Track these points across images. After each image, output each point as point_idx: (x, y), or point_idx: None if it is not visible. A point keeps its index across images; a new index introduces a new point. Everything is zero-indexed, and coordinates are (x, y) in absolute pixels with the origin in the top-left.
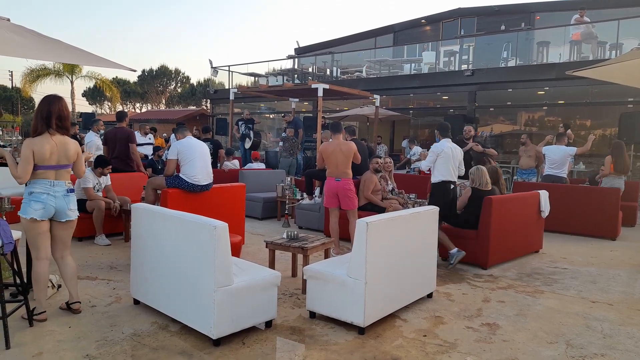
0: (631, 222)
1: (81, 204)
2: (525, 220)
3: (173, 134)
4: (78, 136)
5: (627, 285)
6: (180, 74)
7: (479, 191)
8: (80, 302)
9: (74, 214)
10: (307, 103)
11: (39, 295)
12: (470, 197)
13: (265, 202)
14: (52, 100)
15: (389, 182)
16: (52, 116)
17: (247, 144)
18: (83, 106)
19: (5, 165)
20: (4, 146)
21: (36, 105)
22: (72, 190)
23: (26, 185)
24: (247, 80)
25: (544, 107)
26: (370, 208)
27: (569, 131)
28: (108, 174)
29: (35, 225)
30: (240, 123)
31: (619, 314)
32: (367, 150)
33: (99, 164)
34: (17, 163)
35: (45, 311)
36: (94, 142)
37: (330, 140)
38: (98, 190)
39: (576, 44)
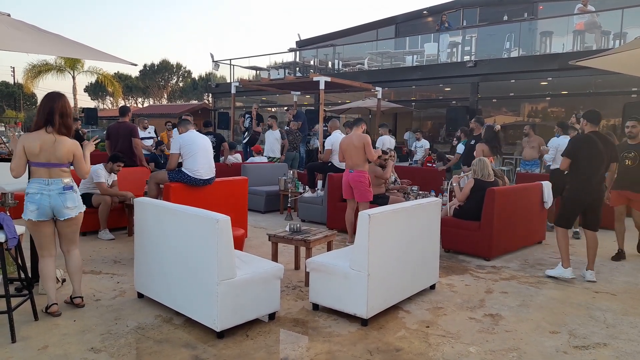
0: None
1: (87, 198)
2: (528, 211)
3: (175, 128)
4: (80, 131)
5: (630, 276)
6: (182, 68)
7: (481, 182)
8: (82, 297)
9: (73, 212)
10: (309, 96)
11: (48, 290)
12: (473, 189)
13: (268, 196)
14: (55, 97)
15: (392, 174)
16: (55, 113)
17: (246, 139)
18: (85, 101)
19: (8, 160)
20: (2, 143)
21: (38, 102)
22: (69, 188)
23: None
24: (248, 74)
25: (547, 98)
26: (374, 200)
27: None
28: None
29: (34, 226)
30: (246, 116)
31: (622, 304)
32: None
33: (111, 160)
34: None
35: (56, 303)
36: None
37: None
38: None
39: (579, 33)
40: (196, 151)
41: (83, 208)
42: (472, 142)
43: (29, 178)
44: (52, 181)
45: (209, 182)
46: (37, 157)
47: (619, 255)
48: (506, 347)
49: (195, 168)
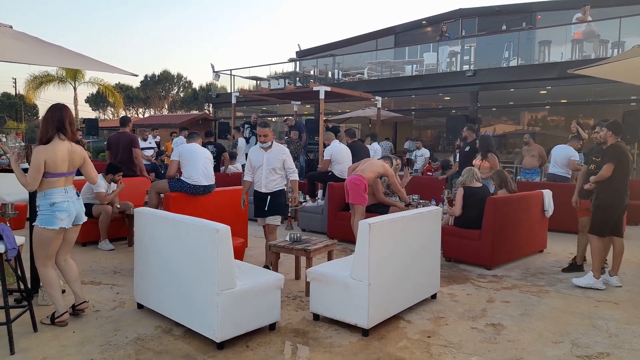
0: (636, 220)
1: (87, 208)
2: (529, 220)
3: (175, 138)
4: (80, 142)
5: (632, 284)
6: (183, 78)
7: (469, 189)
8: (87, 301)
9: (85, 216)
10: (309, 106)
11: (59, 299)
12: (464, 196)
13: None
14: (63, 108)
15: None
16: (65, 120)
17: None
18: (86, 112)
19: (9, 171)
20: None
21: (40, 113)
22: (79, 193)
23: (37, 196)
24: (249, 84)
25: (547, 107)
26: (374, 209)
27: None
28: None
29: (59, 235)
30: (245, 126)
31: (625, 313)
32: (369, 151)
33: (110, 171)
34: (22, 169)
35: (66, 311)
36: None
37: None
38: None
39: (578, 42)
40: (194, 159)
41: None
42: (466, 149)
43: (38, 190)
44: (68, 189)
45: (209, 190)
46: (58, 167)
47: (572, 267)
48: (508, 357)
49: (193, 175)
